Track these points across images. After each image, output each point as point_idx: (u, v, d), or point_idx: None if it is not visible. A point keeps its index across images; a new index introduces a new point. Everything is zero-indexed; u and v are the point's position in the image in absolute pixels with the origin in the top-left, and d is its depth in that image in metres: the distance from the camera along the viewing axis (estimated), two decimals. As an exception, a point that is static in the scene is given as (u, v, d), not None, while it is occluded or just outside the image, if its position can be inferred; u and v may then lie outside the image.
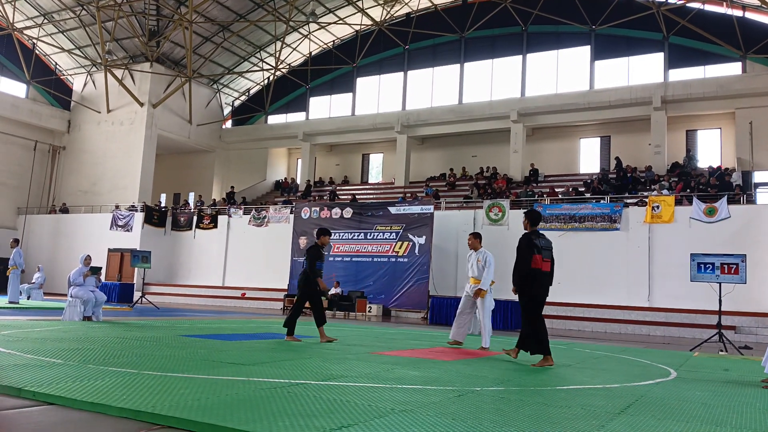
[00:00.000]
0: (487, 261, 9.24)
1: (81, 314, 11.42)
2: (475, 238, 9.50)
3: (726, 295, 12.61)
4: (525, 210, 8.06)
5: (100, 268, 12.33)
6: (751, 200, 19.02)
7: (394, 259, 21.38)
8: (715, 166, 22.77)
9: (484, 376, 6.15)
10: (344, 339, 10.06)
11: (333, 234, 22.78)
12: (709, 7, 24.63)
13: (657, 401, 4.98)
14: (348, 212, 22.86)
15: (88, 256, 12.12)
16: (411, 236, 21.17)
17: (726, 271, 12.06)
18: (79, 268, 11.72)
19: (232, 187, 31.61)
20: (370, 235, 22.17)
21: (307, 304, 9.33)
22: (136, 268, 24.20)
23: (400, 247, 21.39)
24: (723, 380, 6.81)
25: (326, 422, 3.50)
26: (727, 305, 13.15)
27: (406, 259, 20.94)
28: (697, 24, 23.95)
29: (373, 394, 4.58)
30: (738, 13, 23.98)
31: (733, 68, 24.11)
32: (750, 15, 24.11)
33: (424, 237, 20.90)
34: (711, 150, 24.77)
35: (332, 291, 20.92)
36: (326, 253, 22.74)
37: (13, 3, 28.79)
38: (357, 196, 26.89)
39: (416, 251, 20.93)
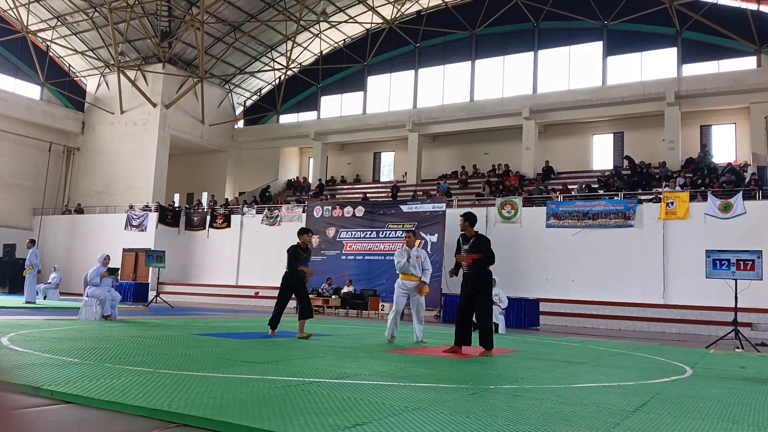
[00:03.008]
0: (425, 258, 9.54)
1: (97, 314, 11.51)
2: (415, 236, 9.73)
3: (742, 291, 12.49)
4: (462, 214, 8.38)
5: (118, 270, 12.43)
6: (766, 195, 18.82)
7: (406, 258, 21.33)
8: (730, 161, 22.54)
9: (497, 374, 6.14)
10: (357, 337, 10.07)
11: (346, 233, 22.88)
12: (722, 1, 24.38)
13: (672, 399, 4.94)
14: (360, 211, 22.88)
15: (107, 256, 12.19)
16: (423, 234, 21.14)
17: (742, 268, 11.94)
18: (97, 267, 11.79)
19: (269, 185, 31.86)
20: (382, 234, 22.18)
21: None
22: (150, 268, 24.39)
23: (412, 246, 21.34)
24: (739, 377, 6.75)
25: (340, 420, 3.50)
26: (743, 302, 13.01)
27: (418, 258, 20.89)
28: (710, 18, 23.71)
29: (387, 392, 4.58)
30: (752, 6, 23.70)
31: (748, 62, 23.86)
32: (765, 8, 23.81)
33: (436, 235, 20.87)
34: (726, 145, 24.54)
35: (345, 289, 20.95)
36: (339, 251, 22.86)
37: (27, 6, 29.08)
38: (368, 195, 26.90)
39: (429, 249, 20.88)
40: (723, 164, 22.06)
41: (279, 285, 9.73)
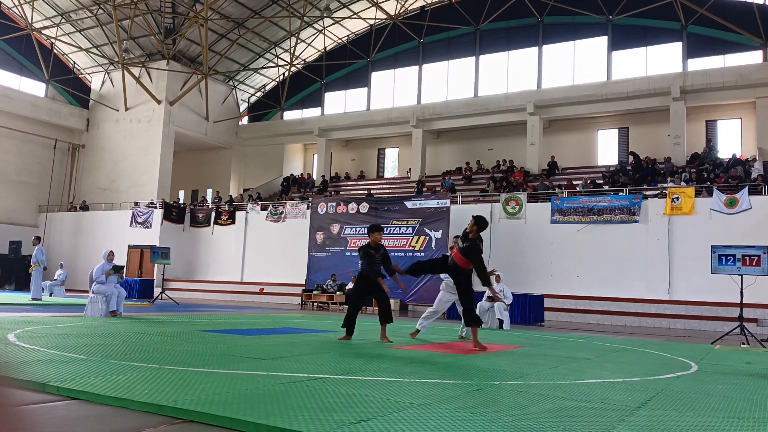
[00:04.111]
0: None
1: (103, 310, 11.54)
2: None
3: (747, 287, 12.44)
4: (475, 216, 8.16)
5: (123, 267, 12.43)
6: (772, 191, 18.73)
7: (410, 254, 21.35)
8: (737, 155, 22.44)
9: (502, 370, 6.14)
10: (362, 334, 10.08)
11: (350, 229, 22.87)
12: (728, -5, 24.26)
13: (678, 395, 4.93)
14: (364, 207, 22.88)
15: (111, 252, 12.20)
16: (427, 230, 21.13)
17: (747, 263, 11.90)
18: (102, 264, 11.81)
19: (292, 174, 32.44)
20: (386, 230, 22.16)
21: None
22: (155, 265, 24.45)
23: (416, 242, 21.38)
24: (745, 373, 6.73)
25: (345, 416, 3.51)
26: (748, 297, 12.97)
27: (422, 254, 20.91)
28: (716, 12, 23.58)
29: (392, 388, 4.59)
30: (758, 0, 23.56)
31: (754, 57, 23.72)
32: (771, 2, 23.69)
33: (440, 231, 20.86)
34: (731, 140, 24.42)
35: (349, 285, 20.96)
36: (343, 248, 22.85)
37: (31, 3, 29.14)
38: (373, 191, 26.88)
39: (433, 245, 20.90)
40: (727, 159, 21.91)
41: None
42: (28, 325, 8.76)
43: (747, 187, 18.05)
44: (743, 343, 11.53)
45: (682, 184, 19.71)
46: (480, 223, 7.94)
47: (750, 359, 8.46)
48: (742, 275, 12.01)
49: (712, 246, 12.73)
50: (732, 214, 17.85)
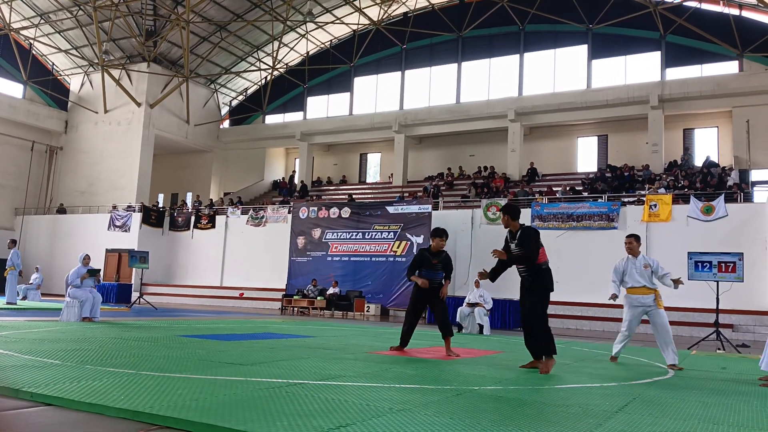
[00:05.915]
0: (657, 266, 8.31)
1: (79, 315, 11.38)
2: (638, 241, 8.42)
3: (723, 293, 12.63)
4: (504, 205, 7.19)
5: (99, 270, 12.26)
6: (748, 198, 19.05)
7: (392, 259, 21.38)
8: (712, 159, 22.82)
9: (482, 375, 6.16)
10: (342, 339, 10.06)
11: (332, 234, 22.81)
12: (705, 6, 24.69)
13: (654, 400, 4.99)
14: (346, 212, 22.85)
15: (87, 255, 12.04)
16: (409, 236, 21.16)
17: (723, 270, 12.09)
18: (77, 268, 11.65)
19: (295, 174, 32.21)
20: (368, 235, 22.17)
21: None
22: (133, 269, 24.16)
23: (398, 247, 21.40)
24: (720, 379, 6.82)
25: (324, 422, 3.50)
26: (724, 303, 13.15)
27: (404, 259, 20.92)
28: (693, 23, 23.99)
29: (371, 393, 4.58)
30: (735, 11, 24.02)
31: (730, 67, 24.16)
32: (747, 13, 24.16)
33: (422, 236, 20.89)
34: (708, 149, 24.80)
35: (330, 290, 20.91)
36: (324, 252, 22.79)
37: (9, 3, 28.73)
38: (354, 196, 26.89)
39: (414, 251, 20.88)
40: (704, 163, 22.24)
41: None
42: (2, 330, 8.61)
43: (723, 195, 18.36)
44: (719, 349, 11.69)
45: (660, 191, 19.97)
46: (509, 211, 6.79)
47: (725, 365, 8.59)
48: (718, 281, 12.19)
49: (688, 252, 12.90)
50: (708, 222, 18.12)
